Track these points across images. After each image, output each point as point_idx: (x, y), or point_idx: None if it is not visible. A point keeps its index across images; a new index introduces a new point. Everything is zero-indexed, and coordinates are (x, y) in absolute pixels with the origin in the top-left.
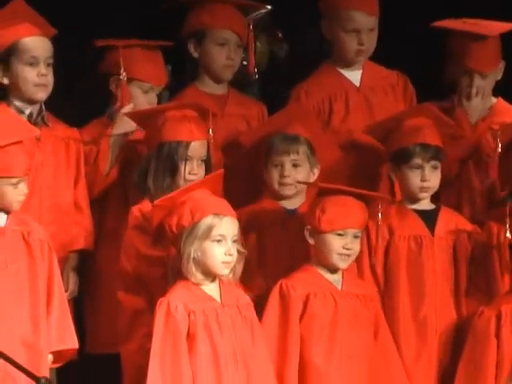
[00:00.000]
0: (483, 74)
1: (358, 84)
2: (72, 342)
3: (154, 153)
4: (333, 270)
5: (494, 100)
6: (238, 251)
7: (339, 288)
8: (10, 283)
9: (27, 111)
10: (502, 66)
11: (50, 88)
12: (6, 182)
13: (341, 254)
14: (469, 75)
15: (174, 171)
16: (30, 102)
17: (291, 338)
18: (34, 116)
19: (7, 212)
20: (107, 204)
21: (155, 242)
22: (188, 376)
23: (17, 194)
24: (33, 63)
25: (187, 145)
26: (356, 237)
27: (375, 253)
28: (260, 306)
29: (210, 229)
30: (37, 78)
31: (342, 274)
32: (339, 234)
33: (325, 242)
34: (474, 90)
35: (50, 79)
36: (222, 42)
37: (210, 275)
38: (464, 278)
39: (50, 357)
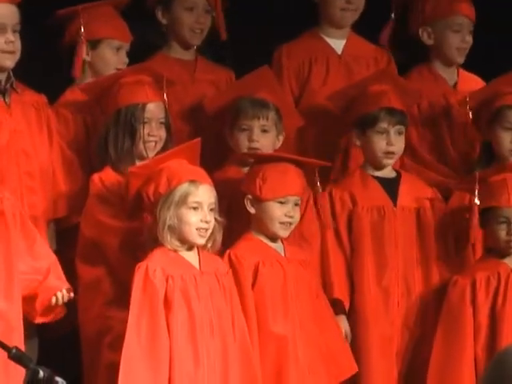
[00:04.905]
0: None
1: (340, 52)
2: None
3: (111, 120)
4: (273, 238)
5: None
6: (217, 220)
7: (283, 255)
8: None
9: None
10: None
11: (18, 55)
12: None
13: (283, 223)
14: (459, 31)
15: (133, 134)
16: None
17: (248, 307)
18: (3, 83)
19: None
20: None
21: (131, 211)
22: (165, 340)
23: None
24: (0, 30)
25: (143, 107)
26: (296, 204)
27: (326, 221)
28: None
29: (186, 195)
30: (4, 45)
31: (282, 241)
32: (280, 202)
33: (266, 210)
34: (465, 45)
35: (17, 46)
36: (190, 5)
37: (186, 242)
38: (432, 245)
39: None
